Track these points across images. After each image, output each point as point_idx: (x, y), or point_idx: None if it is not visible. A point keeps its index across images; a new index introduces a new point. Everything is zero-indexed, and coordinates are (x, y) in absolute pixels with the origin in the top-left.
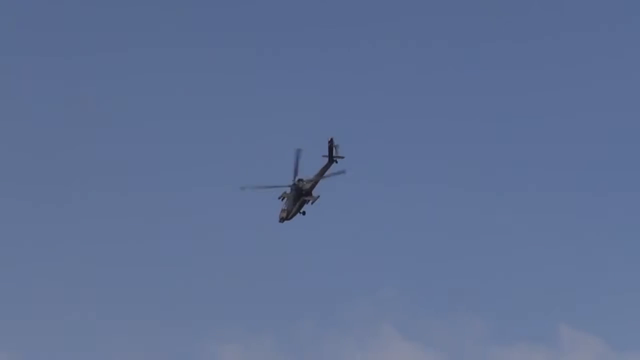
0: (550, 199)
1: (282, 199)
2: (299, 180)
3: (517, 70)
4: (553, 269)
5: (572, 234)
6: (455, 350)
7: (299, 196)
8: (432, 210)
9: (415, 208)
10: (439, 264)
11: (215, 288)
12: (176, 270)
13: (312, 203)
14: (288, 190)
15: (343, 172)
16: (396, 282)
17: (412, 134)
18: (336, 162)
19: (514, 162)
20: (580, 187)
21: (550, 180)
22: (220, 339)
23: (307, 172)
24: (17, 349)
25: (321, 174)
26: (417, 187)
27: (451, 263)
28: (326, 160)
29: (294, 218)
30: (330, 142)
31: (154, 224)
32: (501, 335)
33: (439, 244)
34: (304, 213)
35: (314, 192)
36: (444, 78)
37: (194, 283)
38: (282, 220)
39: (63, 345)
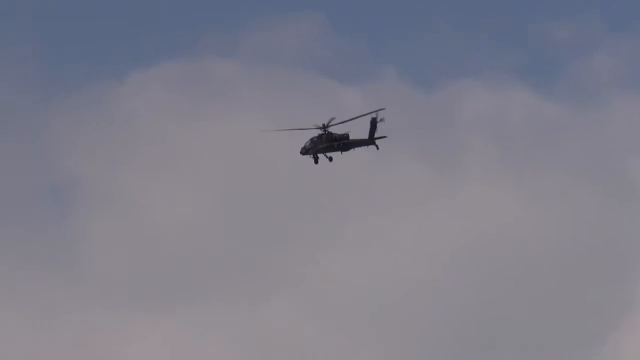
0: None
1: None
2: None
3: None
4: None
5: None
6: None
7: (328, 140)
8: None
9: None
10: None
11: None
12: None
13: (341, 152)
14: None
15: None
16: None
17: None
18: (377, 147)
19: None
20: None
21: None
22: None
23: None
24: None
25: (356, 143)
26: None
27: None
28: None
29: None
30: (373, 120)
31: None
32: None
33: None
34: (330, 159)
35: None
36: None
37: None
38: (303, 151)
39: None
